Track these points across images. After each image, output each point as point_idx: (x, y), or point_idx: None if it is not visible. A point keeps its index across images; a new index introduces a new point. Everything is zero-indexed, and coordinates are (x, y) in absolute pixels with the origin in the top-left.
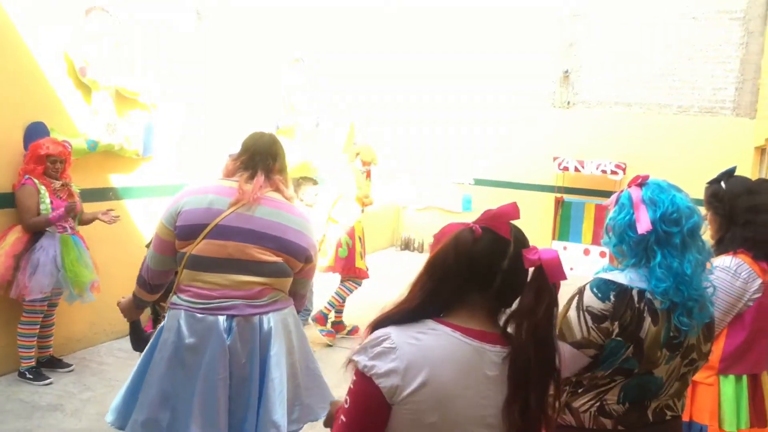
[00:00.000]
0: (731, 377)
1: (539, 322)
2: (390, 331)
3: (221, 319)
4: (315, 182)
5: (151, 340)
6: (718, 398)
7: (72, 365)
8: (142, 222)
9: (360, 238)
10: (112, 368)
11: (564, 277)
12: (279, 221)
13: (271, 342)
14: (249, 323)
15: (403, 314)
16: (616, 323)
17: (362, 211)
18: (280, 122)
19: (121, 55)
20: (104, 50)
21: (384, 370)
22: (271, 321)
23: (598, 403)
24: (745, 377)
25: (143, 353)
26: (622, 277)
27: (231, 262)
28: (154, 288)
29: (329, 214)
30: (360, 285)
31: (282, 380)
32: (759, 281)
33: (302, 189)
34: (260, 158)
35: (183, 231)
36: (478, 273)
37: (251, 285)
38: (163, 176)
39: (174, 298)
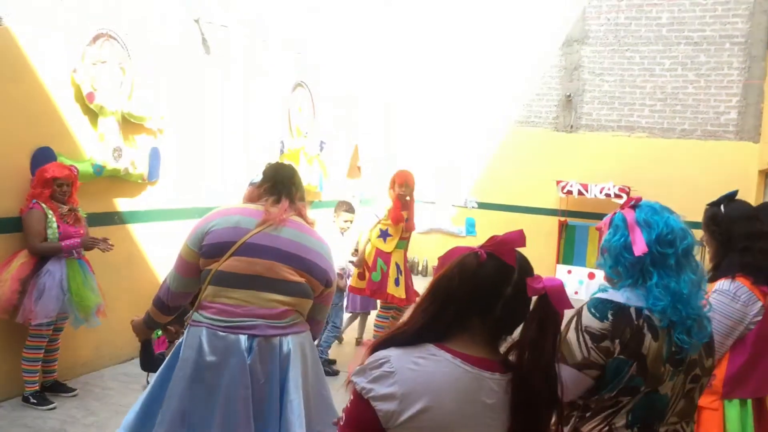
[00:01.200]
0: (736, 401)
1: (543, 352)
2: (390, 354)
3: (243, 338)
4: (351, 208)
5: (167, 358)
6: (722, 423)
7: (76, 390)
8: (146, 246)
9: (398, 264)
10: (116, 393)
11: (569, 306)
12: (303, 243)
13: (290, 364)
14: (269, 344)
15: (405, 337)
16: (617, 341)
17: (401, 238)
18: (285, 146)
19: (127, 81)
20: (111, 76)
21: (382, 394)
22: (290, 343)
23: (606, 428)
24: (749, 401)
25: (159, 371)
26: (618, 296)
27: (258, 279)
28: (172, 310)
29: (370, 238)
30: (401, 312)
31: (300, 403)
32: (759, 304)
33: (338, 213)
34: (283, 186)
35: (210, 249)
36: (481, 298)
37: (276, 304)
38: (168, 200)
39: (195, 315)
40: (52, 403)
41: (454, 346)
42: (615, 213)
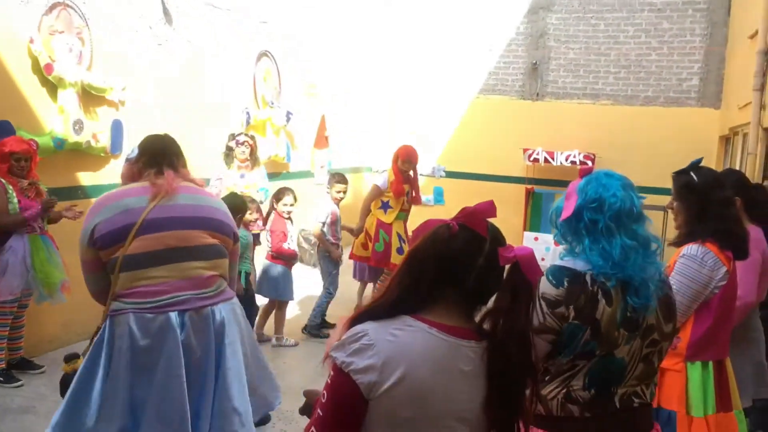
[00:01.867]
0: (698, 364)
1: (517, 319)
2: (368, 327)
3: (173, 315)
4: (343, 179)
5: (89, 351)
6: (685, 384)
7: (43, 366)
8: None
9: (399, 234)
10: None
11: (540, 274)
12: (203, 204)
13: (226, 332)
14: (201, 316)
15: (381, 310)
16: (571, 307)
17: (401, 210)
18: (251, 116)
19: (86, 51)
20: (69, 46)
21: (362, 367)
22: (222, 312)
23: (564, 390)
24: (711, 363)
25: (82, 365)
26: (575, 263)
27: (173, 251)
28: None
29: (373, 210)
30: None
31: (240, 369)
32: (724, 269)
33: (332, 185)
34: (162, 156)
35: (105, 239)
36: (454, 269)
37: (200, 271)
38: None
39: (115, 305)
40: (19, 380)
41: (430, 316)
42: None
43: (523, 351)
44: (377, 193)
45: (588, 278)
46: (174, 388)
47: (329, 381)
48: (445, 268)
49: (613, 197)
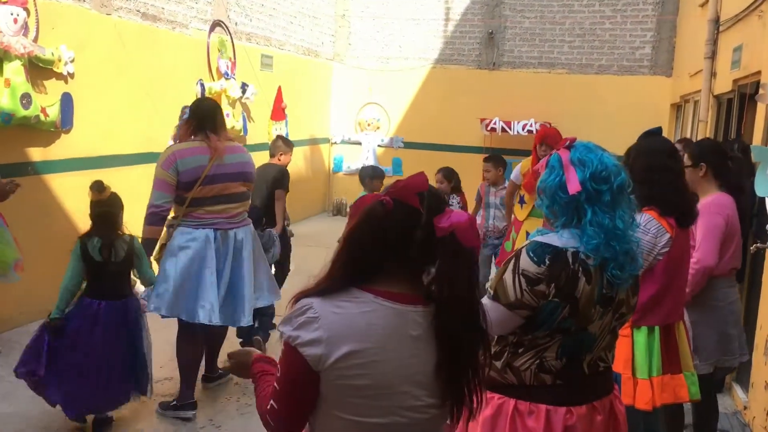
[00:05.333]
0: (644, 329)
1: (457, 284)
2: (312, 300)
3: (210, 231)
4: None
5: (165, 253)
6: (631, 348)
7: None
8: (64, 197)
9: (528, 234)
10: None
11: (476, 243)
12: (241, 161)
13: (243, 246)
14: (227, 234)
15: (326, 285)
16: (552, 285)
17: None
18: (205, 88)
19: (32, 22)
20: (14, 17)
21: (307, 339)
22: (240, 233)
23: (537, 361)
24: (657, 328)
25: (164, 262)
26: (557, 240)
27: (218, 197)
28: (164, 219)
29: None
30: None
31: (250, 270)
32: (667, 236)
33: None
34: (206, 121)
35: (184, 184)
36: (393, 244)
37: (231, 210)
38: (84, 149)
39: (183, 222)
40: None
41: (376, 285)
42: (551, 154)
43: (469, 315)
44: (513, 187)
45: (570, 255)
46: (205, 274)
47: (281, 356)
48: (384, 245)
49: (615, 167)
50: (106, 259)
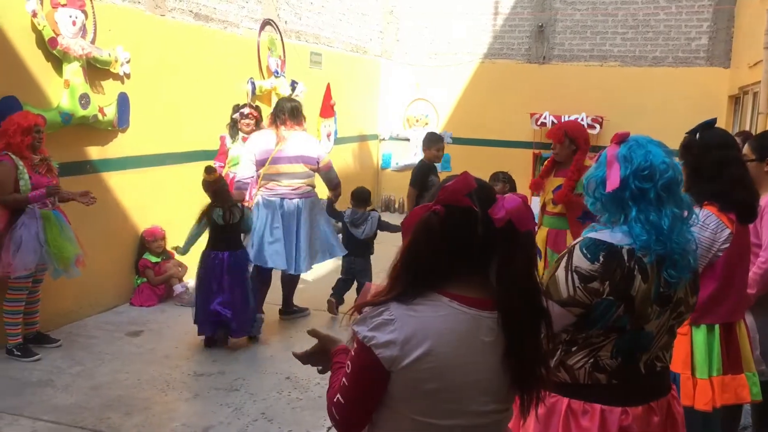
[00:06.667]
0: (703, 327)
1: (516, 265)
2: (390, 302)
3: (278, 199)
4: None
5: (252, 215)
6: (690, 347)
7: (59, 340)
8: (121, 194)
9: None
10: (100, 342)
11: (532, 225)
12: (301, 147)
13: (302, 214)
14: (291, 203)
15: (400, 291)
16: (606, 283)
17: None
18: (256, 86)
19: (90, 24)
20: (72, 19)
21: (383, 341)
22: (301, 203)
23: (592, 360)
24: (717, 327)
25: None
26: (611, 236)
27: (282, 174)
28: (245, 186)
29: None
30: None
31: (306, 235)
32: (727, 231)
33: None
34: (277, 115)
35: (258, 162)
36: (459, 248)
37: (294, 184)
38: (139, 147)
39: (261, 192)
40: (37, 354)
41: (452, 289)
42: (604, 149)
43: (530, 297)
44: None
45: (625, 253)
46: (274, 232)
47: (353, 353)
48: (449, 251)
49: (663, 164)
50: (226, 222)
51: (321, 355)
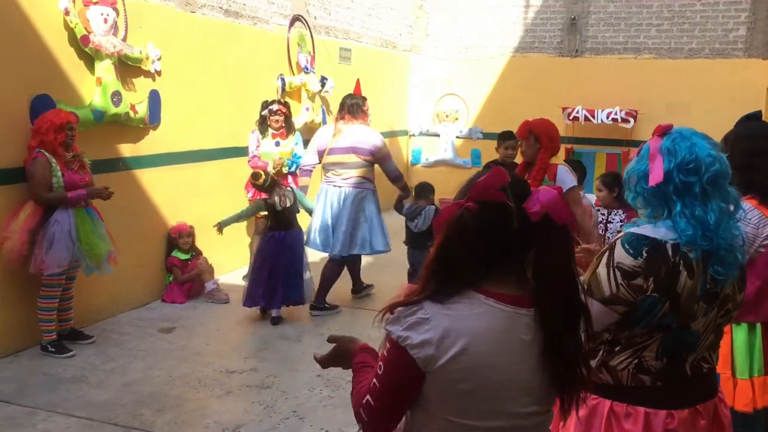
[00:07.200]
0: (744, 325)
1: (554, 259)
2: (423, 302)
3: (330, 187)
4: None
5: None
6: (730, 346)
7: (93, 337)
8: (153, 191)
9: None
10: (133, 338)
11: (568, 217)
12: (354, 139)
13: (347, 203)
14: (340, 190)
15: (435, 290)
16: (651, 279)
17: None
18: (285, 83)
19: (121, 22)
20: (104, 17)
21: (418, 341)
22: (347, 191)
23: (636, 361)
24: (758, 325)
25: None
26: (654, 231)
27: (336, 164)
28: (308, 173)
29: None
30: None
31: (348, 225)
32: None
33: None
34: (339, 110)
35: (318, 153)
36: (493, 246)
37: (344, 173)
38: (170, 144)
39: (324, 179)
40: (71, 350)
41: (487, 286)
42: (646, 142)
43: (568, 289)
44: None
45: (669, 248)
46: (322, 217)
47: (385, 353)
48: (485, 248)
49: (709, 157)
50: (283, 207)
51: (341, 357)
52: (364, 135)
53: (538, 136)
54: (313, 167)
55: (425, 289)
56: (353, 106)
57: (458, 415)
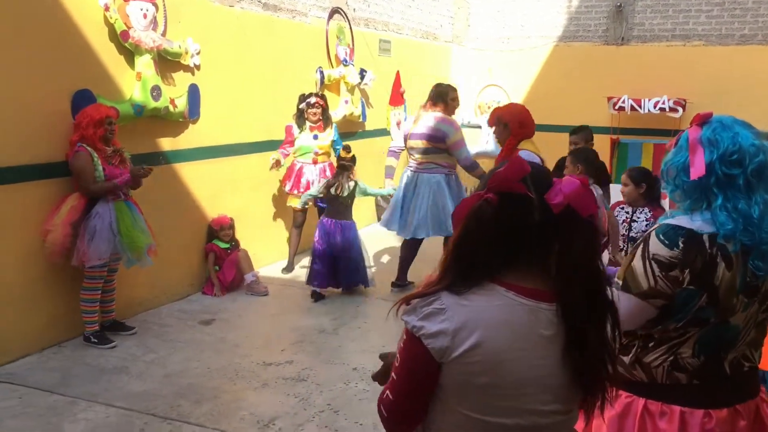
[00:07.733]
0: None
1: (577, 252)
2: (440, 292)
3: (410, 172)
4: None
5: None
6: None
7: (135, 328)
8: (193, 184)
9: None
10: (173, 330)
11: (593, 209)
12: (427, 125)
13: (419, 187)
14: (415, 174)
15: (453, 281)
16: (687, 271)
17: None
18: (324, 75)
19: (160, 16)
20: (143, 12)
21: (433, 331)
22: (420, 176)
23: (671, 357)
24: None
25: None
26: (690, 222)
27: (413, 149)
28: (395, 154)
29: None
30: None
31: (419, 208)
32: None
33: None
34: (429, 97)
35: (405, 138)
36: (514, 238)
37: (419, 159)
38: (210, 138)
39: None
40: (113, 341)
41: (509, 278)
42: (683, 131)
43: (592, 284)
44: None
45: (706, 239)
46: (399, 200)
47: (402, 345)
48: (504, 240)
49: (753, 147)
50: (336, 194)
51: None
52: (436, 123)
53: (507, 123)
54: (401, 150)
55: (443, 280)
56: (437, 95)
57: (476, 410)
